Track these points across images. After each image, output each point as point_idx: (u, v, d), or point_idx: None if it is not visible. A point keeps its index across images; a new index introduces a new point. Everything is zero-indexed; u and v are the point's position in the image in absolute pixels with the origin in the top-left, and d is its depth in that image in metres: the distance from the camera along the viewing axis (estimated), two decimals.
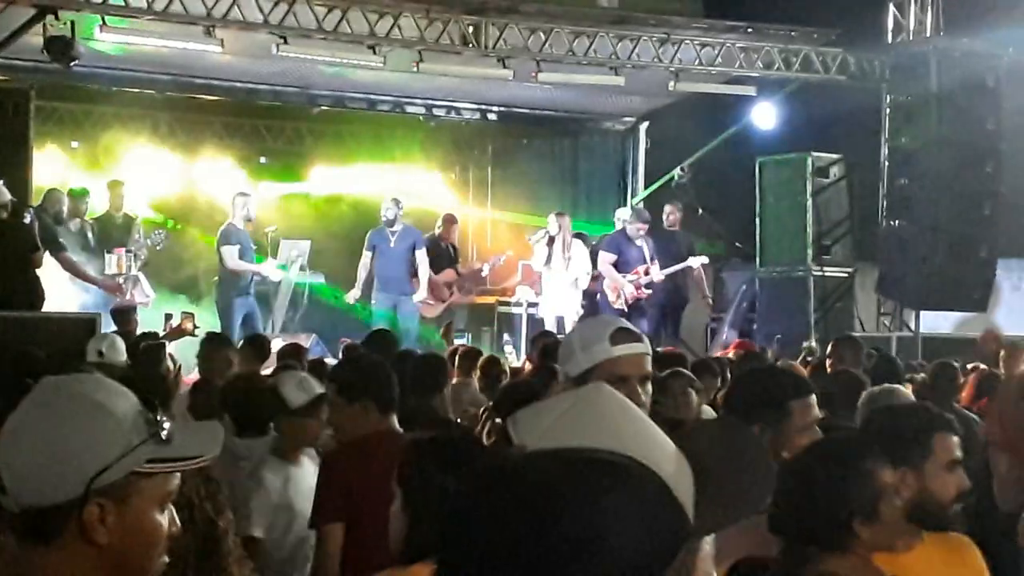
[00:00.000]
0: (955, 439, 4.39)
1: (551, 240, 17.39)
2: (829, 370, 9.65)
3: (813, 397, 4.52)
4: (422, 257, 17.15)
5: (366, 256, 17.13)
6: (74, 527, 2.39)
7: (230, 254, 16.36)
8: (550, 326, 17.20)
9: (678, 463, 1.91)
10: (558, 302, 17.40)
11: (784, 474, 3.68)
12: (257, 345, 10.84)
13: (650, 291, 17.23)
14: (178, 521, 2.55)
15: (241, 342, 11.24)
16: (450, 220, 18.27)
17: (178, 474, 2.52)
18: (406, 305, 17.09)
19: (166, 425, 2.47)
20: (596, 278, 17.63)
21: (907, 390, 7.23)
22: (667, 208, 18.33)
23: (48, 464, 2.37)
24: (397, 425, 5.95)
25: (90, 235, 15.94)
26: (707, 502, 1.90)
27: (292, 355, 10.61)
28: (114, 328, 12.37)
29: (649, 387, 4.16)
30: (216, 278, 16.87)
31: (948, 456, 4.35)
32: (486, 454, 4.63)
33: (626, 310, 17.16)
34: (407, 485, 4.20)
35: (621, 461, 1.71)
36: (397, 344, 10.93)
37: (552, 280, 17.43)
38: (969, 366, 10.11)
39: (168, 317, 15.01)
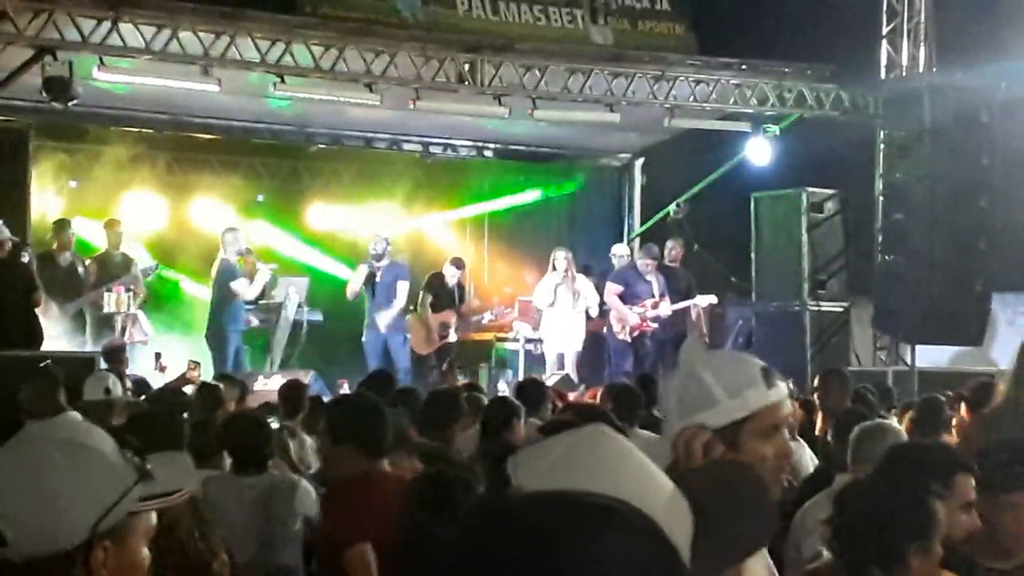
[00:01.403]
0: (972, 481, 4.50)
1: (562, 279, 17.47)
2: (818, 404, 9.64)
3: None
4: (401, 289, 17.35)
5: (361, 271, 17.43)
6: (79, 571, 2.40)
7: (243, 286, 16.66)
8: (551, 363, 17.26)
9: (675, 505, 1.92)
10: (562, 339, 17.45)
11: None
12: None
13: (656, 325, 17.31)
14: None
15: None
16: (458, 263, 18.09)
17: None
18: (395, 340, 17.18)
19: (146, 462, 2.50)
20: (602, 312, 17.69)
21: (896, 424, 7.26)
22: (669, 244, 18.41)
23: (51, 514, 2.37)
24: (387, 467, 5.87)
25: (80, 269, 15.93)
26: (707, 543, 1.90)
27: (294, 392, 10.64)
28: (106, 367, 12.38)
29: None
30: (208, 313, 16.94)
31: (966, 497, 4.45)
32: (480, 495, 4.63)
33: (630, 341, 17.24)
34: (400, 529, 4.19)
35: (614, 505, 1.71)
36: (394, 384, 10.95)
37: (557, 317, 17.48)
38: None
39: (158, 356, 15.07)
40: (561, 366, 17.22)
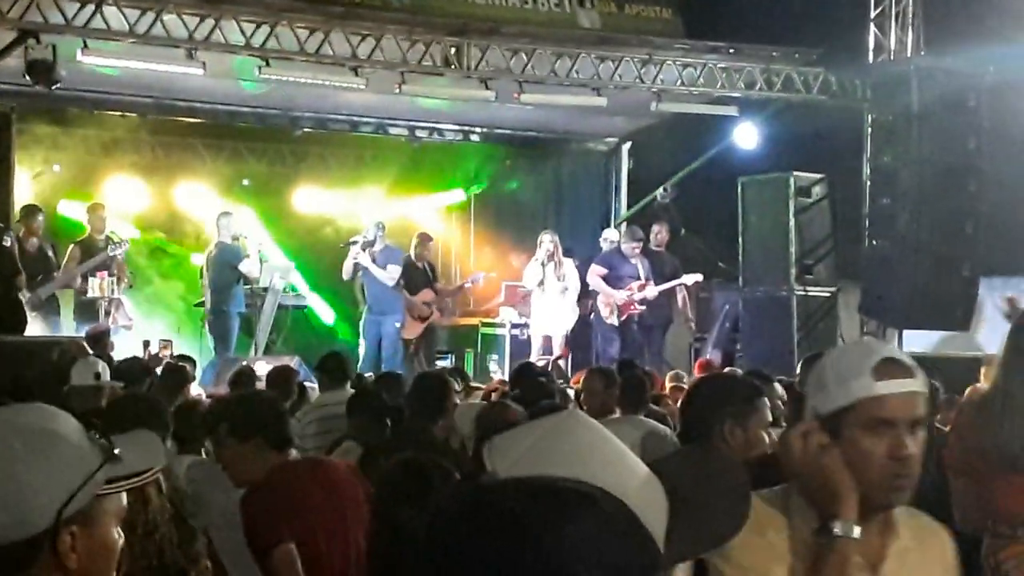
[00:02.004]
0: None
1: (548, 258, 17.40)
2: (798, 389, 9.58)
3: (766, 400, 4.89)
4: (392, 272, 17.35)
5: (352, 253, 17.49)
6: (46, 557, 2.38)
7: (251, 266, 16.88)
8: (537, 347, 17.25)
9: (650, 491, 1.90)
10: (550, 321, 17.43)
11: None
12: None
13: (643, 307, 17.29)
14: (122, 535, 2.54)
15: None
16: (425, 239, 18.13)
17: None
18: (389, 326, 17.21)
19: (113, 444, 2.47)
20: (588, 295, 17.68)
21: None
22: (655, 227, 18.40)
23: (14, 501, 2.35)
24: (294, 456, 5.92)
25: (50, 254, 15.80)
26: (682, 529, 1.89)
27: (282, 378, 10.58)
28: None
29: (922, 434, 3.12)
30: (209, 297, 16.91)
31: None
32: (454, 482, 4.60)
33: (617, 325, 17.22)
34: (373, 515, 4.17)
35: (588, 491, 1.72)
36: (349, 366, 10.82)
37: (545, 299, 17.44)
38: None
39: (147, 344, 15.04)
40: (548, 350, 17.20)
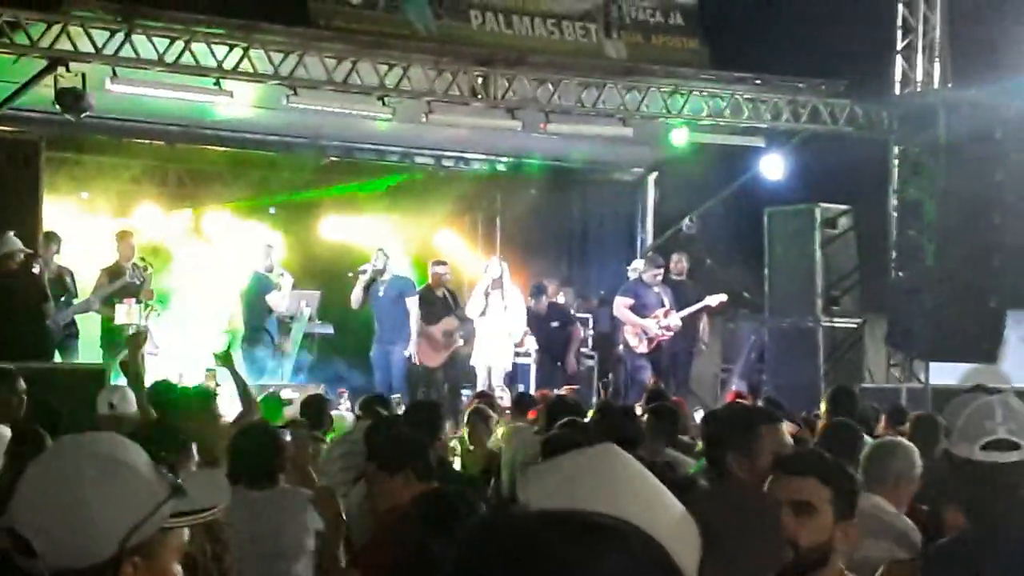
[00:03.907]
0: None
1: (492, 285, 17.19)
2: (824, 420, 9.52)
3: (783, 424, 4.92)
4: (411, 305, 17.21)
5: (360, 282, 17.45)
6: None
7: (279, 299, 16.98)
8: (483, 378, 17.05)
9: (684, 528, 1.90)
10: (487, 352, 17.19)
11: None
12: None
13: (669, 334, 17.25)
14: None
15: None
16: (437, 265, 17.91)
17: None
18: (397, 355, 17.15)
19: (180, 478, 2.47)
20: (617, 326, 17.62)
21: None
22: (674, 257, 18.40)
23: (81, 527, 2.35)
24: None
25: (68, 280, 15.76)
26: (715, 568, 1.89)
27: (315, 406, 10.64)
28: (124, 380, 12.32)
29: None
30: (241, 327, 16.99)
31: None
32: (483, 512, 4.62)
33: (646, 352, 17.16)
34: (400, 545, 4.22)
35: (621, 526, 1.69)
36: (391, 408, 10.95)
37: (486, 330, 17.22)
38: None
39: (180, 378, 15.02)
40: (490, 381, 16.93)
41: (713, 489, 4.41)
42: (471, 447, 10.40)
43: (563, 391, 15.80)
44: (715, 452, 4.96)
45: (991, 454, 4.00)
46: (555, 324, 18.30)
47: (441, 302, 17.66)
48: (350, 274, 18.18)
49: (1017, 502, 4.11)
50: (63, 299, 15.36)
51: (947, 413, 4.19)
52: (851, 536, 3.65)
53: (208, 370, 13.49)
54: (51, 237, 15.73)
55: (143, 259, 16.34)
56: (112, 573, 2.38)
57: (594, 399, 16.76)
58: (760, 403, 11.92)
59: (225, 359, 10.26)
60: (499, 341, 17.23)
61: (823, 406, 10.12)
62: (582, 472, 1.96)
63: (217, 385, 12.74)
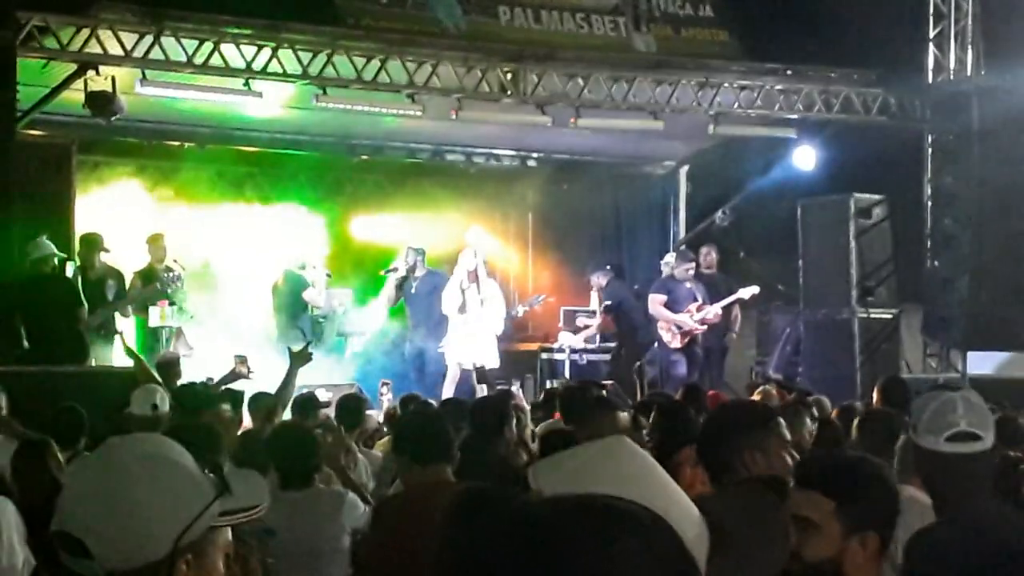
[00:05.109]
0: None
1: (468, 278, 16.79)
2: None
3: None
4: (441, 299, 17.07)
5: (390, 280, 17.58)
6: None
7: (315, 295, 17.17)
8: (451, 377, 16.64)
9: (693, 520, 1.91)
10: (465, 351, 16.63)
11: None
12: None
13: (704, 327, 17.18)
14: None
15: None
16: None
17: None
18: (431, 351, 17.13)
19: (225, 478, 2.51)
20: (650, 321, 17.56)
21: None
22: (703, 250, 18.34)
23: (136, 527, 2.38)
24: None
25: (111, 282, 15.76)
26: (722, 564, 1.89)
27: (352, 405, 10.64)
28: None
29: None
30: (275, 324, 17.20)
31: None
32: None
33: (681, 347, 17.10)
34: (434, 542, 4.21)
35: (635, 510, 1.68)
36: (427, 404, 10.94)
37: (464, 327, 16.77)
38: None
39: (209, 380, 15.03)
40: (467, 384, 16.17)
41: (721, 491, 4.36)
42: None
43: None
44: (725, 451, 4.88)
45: (955, 445, 4.33)
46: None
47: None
48: (381, 272, 18.19)
49: (980, 488, 4.40)
50: (111, 300, 15.39)
51: (913, 408, 4.44)
52: (871, 547, 3.57)
53: (237, 356, 13.36)
54: (93, 239, 15.69)
55: (175, 261, 16.34)
56: (166, 572, 2.40)
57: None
58: (764, 397, 11.68)
59: (303, 359, 10.28)
60: (483, 338, 16.79)
61: (875, 396, 10.03)
62: (592, 462, 1.97)
63: (249, 371, 12.72)
